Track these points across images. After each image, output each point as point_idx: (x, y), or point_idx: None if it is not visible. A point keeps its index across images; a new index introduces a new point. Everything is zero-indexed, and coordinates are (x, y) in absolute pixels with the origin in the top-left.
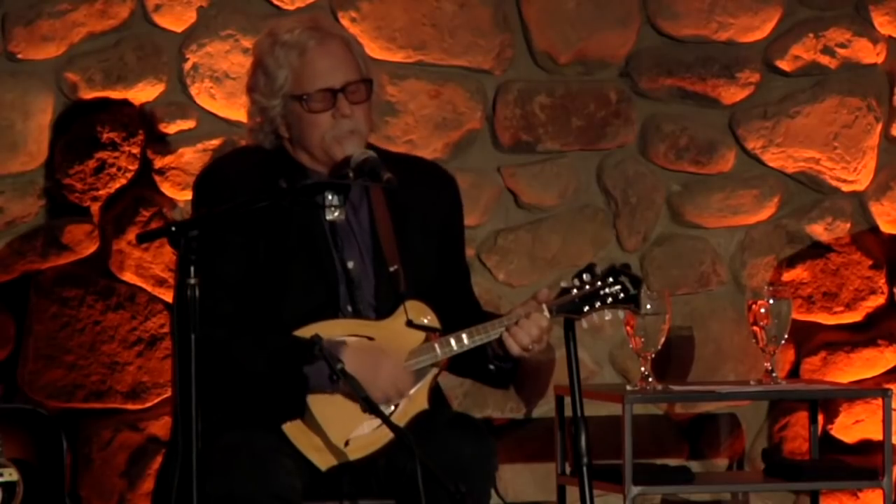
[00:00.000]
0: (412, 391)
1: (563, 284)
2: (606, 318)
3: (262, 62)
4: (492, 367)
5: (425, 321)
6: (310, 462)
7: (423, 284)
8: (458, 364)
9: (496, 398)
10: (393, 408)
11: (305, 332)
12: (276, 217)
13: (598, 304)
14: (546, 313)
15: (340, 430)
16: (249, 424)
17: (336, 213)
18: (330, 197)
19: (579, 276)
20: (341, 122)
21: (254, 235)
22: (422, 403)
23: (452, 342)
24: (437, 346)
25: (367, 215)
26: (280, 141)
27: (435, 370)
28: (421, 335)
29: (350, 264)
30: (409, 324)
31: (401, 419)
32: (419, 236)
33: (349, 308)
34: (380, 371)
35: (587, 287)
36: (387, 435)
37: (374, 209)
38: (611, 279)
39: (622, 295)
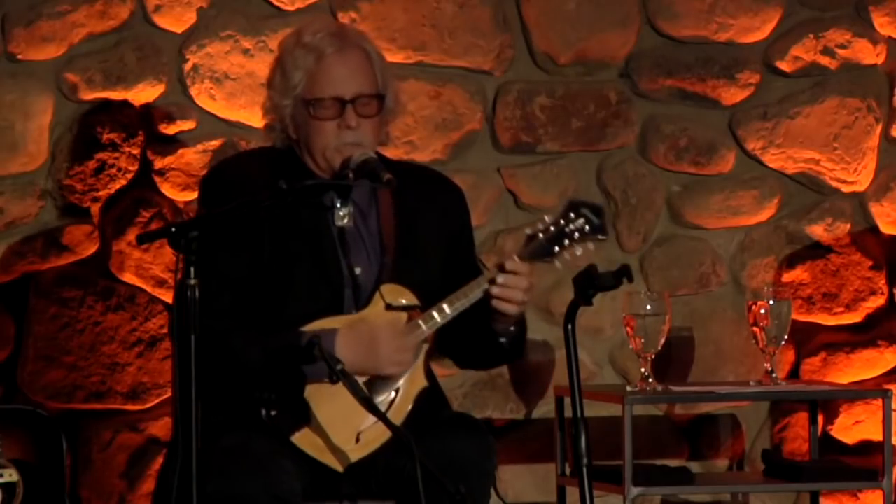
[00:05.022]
0: (408, 372)
1: (528, 231)
2: (577, 253)
3: (282, 60)
4: (503, 340)
5: (403, 301)
6: (310, 463)
7: (422, 284)
8: (473, 356)
9: (496, 399)
10: (394, 394)
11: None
12: (283, 219)
13: (566, 242)
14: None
15: (348, 428)
16: (250, 427)
17: (345, 220)
18: (338, 203)
19: (541, 220)
20: (345, 133)
21: (259, 235)
22: (420, 382)
23: (435, 314)
24: (420, 322)
25: (375, 221)
26: (290, 141)
27: (425, 346)
28: (403, 316)
29: (358, 270)
30: (389, 307)
31: (404, 402)
32: (422, 240)
33: (354, 312)
34: (379, 346)
35: (551, 228)
36: (395, 421)
37: (381, 215)
38: (572, 214)
39: (587, 227)
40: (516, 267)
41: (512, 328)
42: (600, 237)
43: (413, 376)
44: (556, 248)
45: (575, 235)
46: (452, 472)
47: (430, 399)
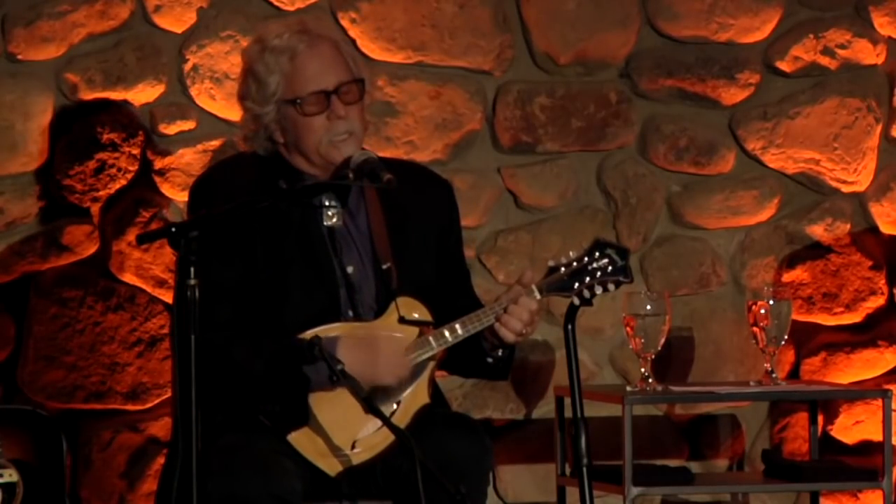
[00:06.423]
0: (412, 387)
1: (551, 263)
2: (598, 292)
3: (253, 69)
4: (490, 359)
5: (416, 316)
6: (310, 463)
7: (421, 284)
8: (456, 364)
9: (496, 399)
10: (395, 406)
11: (303, 336)
12: (275, 222)
13: (587, 279)
14: (536, 294)
15: (346, 433)
16: (250, 427)
17: (334, 219)
18: (327, 202)
19: (565, 254)
20: (337, 124)
21: (252, 240)
22: (423, 398)
23: (447, 333)
24: (431, 338)
25: (364, 220)
26: (275, 147)
27: (432, 363)
28: (415, 330)
29: (349, 269)
30: (402, 320)
31: (404, 416)
32: (415, 237)
33: (350, 312)
34: (378, 360)
35: (574, 263)
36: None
37: (370, 213)
38: (597, 253)
39: (610, 267)
40: (527, 304)
41: (500, 351)
42: (622, 279)
43: (416, 391)
44: (576, 284)
45: (597, 274)
46: (448, 471)
47: (432, 393)
